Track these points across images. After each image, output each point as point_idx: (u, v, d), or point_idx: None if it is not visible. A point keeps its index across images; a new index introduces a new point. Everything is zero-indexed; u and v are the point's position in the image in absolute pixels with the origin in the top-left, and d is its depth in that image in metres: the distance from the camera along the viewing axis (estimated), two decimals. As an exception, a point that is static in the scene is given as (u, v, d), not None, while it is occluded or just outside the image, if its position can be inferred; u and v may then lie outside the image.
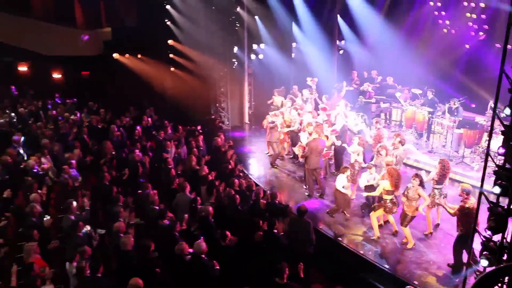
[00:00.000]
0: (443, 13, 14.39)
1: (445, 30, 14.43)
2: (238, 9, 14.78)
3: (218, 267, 6.38)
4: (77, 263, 6.39)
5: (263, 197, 8.62)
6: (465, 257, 6.96)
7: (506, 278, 4.64)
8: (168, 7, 16.33)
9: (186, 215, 7.83)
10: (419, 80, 13.72)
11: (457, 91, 12.74)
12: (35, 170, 9.41)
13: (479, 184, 5.80)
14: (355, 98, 13.62)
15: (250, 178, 10.84)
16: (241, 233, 7.21)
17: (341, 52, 16.52)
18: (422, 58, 14.00)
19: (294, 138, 11.71)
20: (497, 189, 5.21)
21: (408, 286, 6.56)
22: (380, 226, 8.49)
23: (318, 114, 11.71)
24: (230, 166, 10.15)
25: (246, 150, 13.47)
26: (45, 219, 7.85)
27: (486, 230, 5.30)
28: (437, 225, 8.59)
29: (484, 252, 5.38)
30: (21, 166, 9.68)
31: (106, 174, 9.15)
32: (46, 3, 18.28)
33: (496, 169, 5.29)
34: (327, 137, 10.31)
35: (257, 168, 12.09)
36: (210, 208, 7.65)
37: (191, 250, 6.47)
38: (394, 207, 8.13)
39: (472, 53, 13.72)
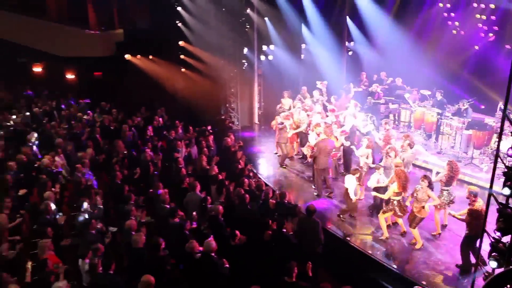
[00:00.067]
0: (452, 14, 14.36)
1: (454, 32, 14.38)
2: (248, 10, 14.87)
3: (227, 266, 6.46)
4: (89, 260, 6.51)
5: (272, 196, 8.69)
6: (473, 258, 6.99)
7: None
8: (179, 9, 16.46)
9: (194, 213, 7.93)
10: (428, 81, 13.65)
11: (466, 92, 12.70)
12: (50, 169, 9.60)
13: (488, 186, 5.79)
14: (363, 99, 13.58)
15: (260, 178, 10.91)
16: (250, 232, 7.29)
17: (350, 53, 16.58)
18: (431, 59, 13.98)
19: (303, 138, 11.79)
20: (506, 191, 5.17)
21: (416, 286, 6.58)
22: (388, 226, 8.50)
23: (327, 115, 11.77)
24: (240, 166, 10.24)
25: (256, 150, 13.54)
26: (58, 216, 8.02)
27: (495, 231, 5.28)
28: (445, 225, 8.59)
29: (493, 254, 5.34)
30: (35, 165, 9.88)
31: (118, 173, 9.31)
32: (60, 5, 18.52)
33: (506, 170, 5.25)
34: (337, 138, 10.35)
35: (267, 168, 12.16)
36: (220, 208, 7.74)
37: (201, 249, 6.55)
38: (403, 213, 8.12)
39: (481, 54, 13.68)
